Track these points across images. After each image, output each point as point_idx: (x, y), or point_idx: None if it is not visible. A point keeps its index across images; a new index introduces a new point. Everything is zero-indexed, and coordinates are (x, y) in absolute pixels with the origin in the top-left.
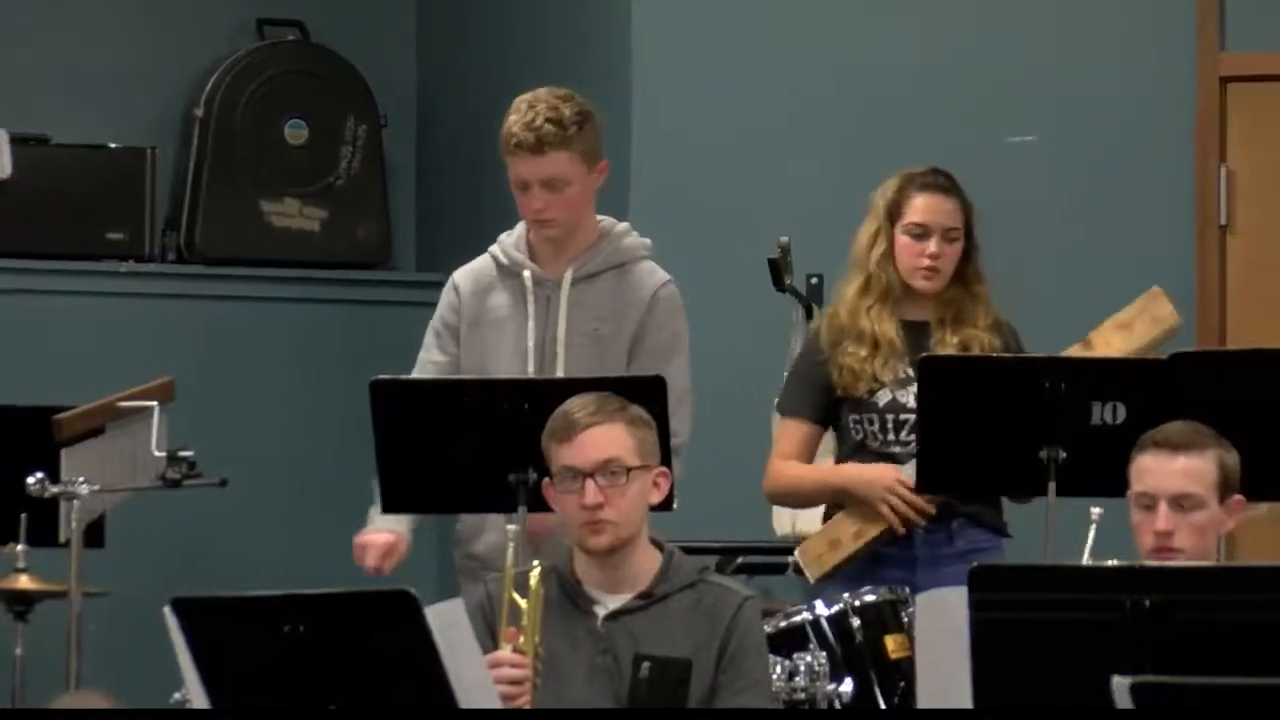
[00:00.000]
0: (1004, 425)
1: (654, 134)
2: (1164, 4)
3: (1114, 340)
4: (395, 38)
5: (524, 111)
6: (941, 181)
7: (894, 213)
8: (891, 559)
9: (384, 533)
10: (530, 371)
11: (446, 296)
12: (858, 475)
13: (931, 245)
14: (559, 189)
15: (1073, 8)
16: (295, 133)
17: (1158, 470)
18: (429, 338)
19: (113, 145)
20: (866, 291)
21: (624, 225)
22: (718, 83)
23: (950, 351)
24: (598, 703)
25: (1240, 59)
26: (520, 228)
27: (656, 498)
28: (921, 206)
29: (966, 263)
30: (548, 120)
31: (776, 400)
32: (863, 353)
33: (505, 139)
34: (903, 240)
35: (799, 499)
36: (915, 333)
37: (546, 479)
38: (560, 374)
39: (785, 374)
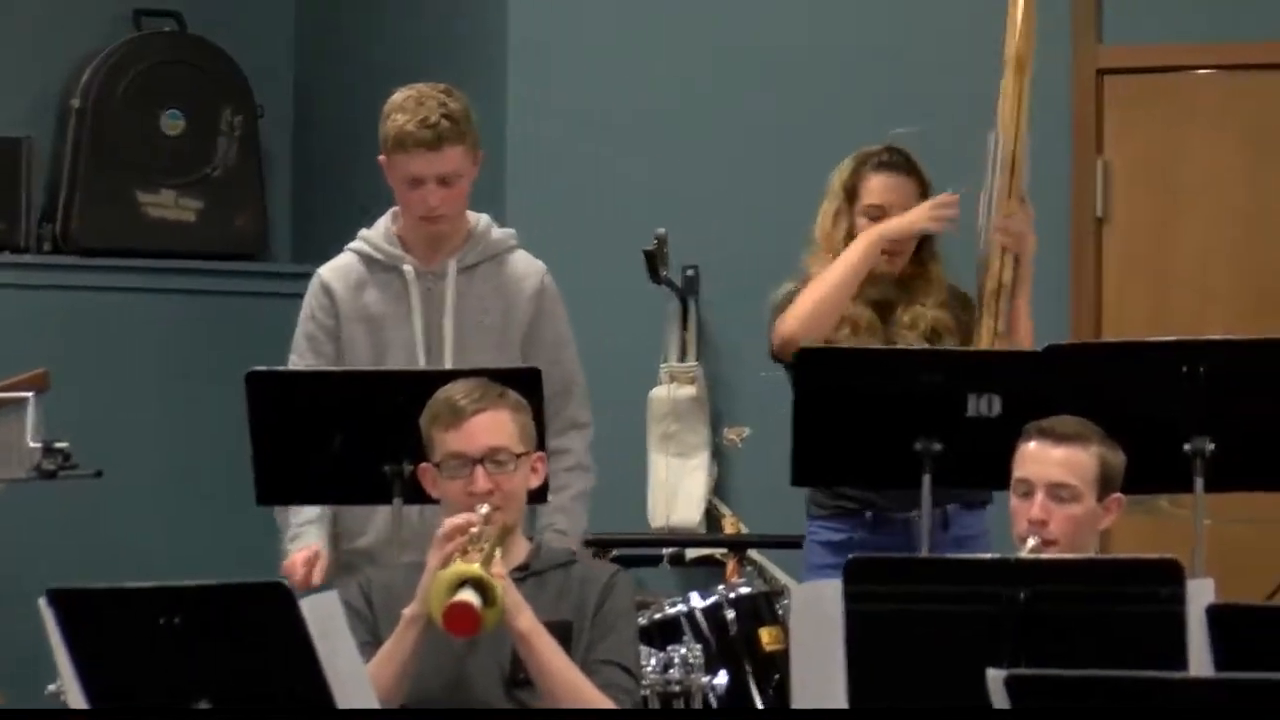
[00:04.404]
0: (880, 417)
1: (530, 125)
2: None
3: (1009, 35)
4: (272, 28)
5: (414, 109)
6: (897, 160)
7: (851, 194)
8: (886, 549)
9: (303, 549)
10: (421, 363)
11: (316, 299)
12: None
13: None
14: (452, 184)
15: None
16: (172, 123)
17: (1038, 458)
18: (300, 343)
19: None
20: None
21: (486, 218)
22: (594, 73)
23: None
24: (481, 668)
25: (1117, 51)
26: (384, 222)
27: (535, 482)
28: (878, 187)
29: (922, 242)
30: (443, 116)
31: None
32: (845, 332)
33: (398, 138)
34: (862, 222)
35: (829, 296)
36: (882, 312)
37: (424, 464)
38: (449, 362)
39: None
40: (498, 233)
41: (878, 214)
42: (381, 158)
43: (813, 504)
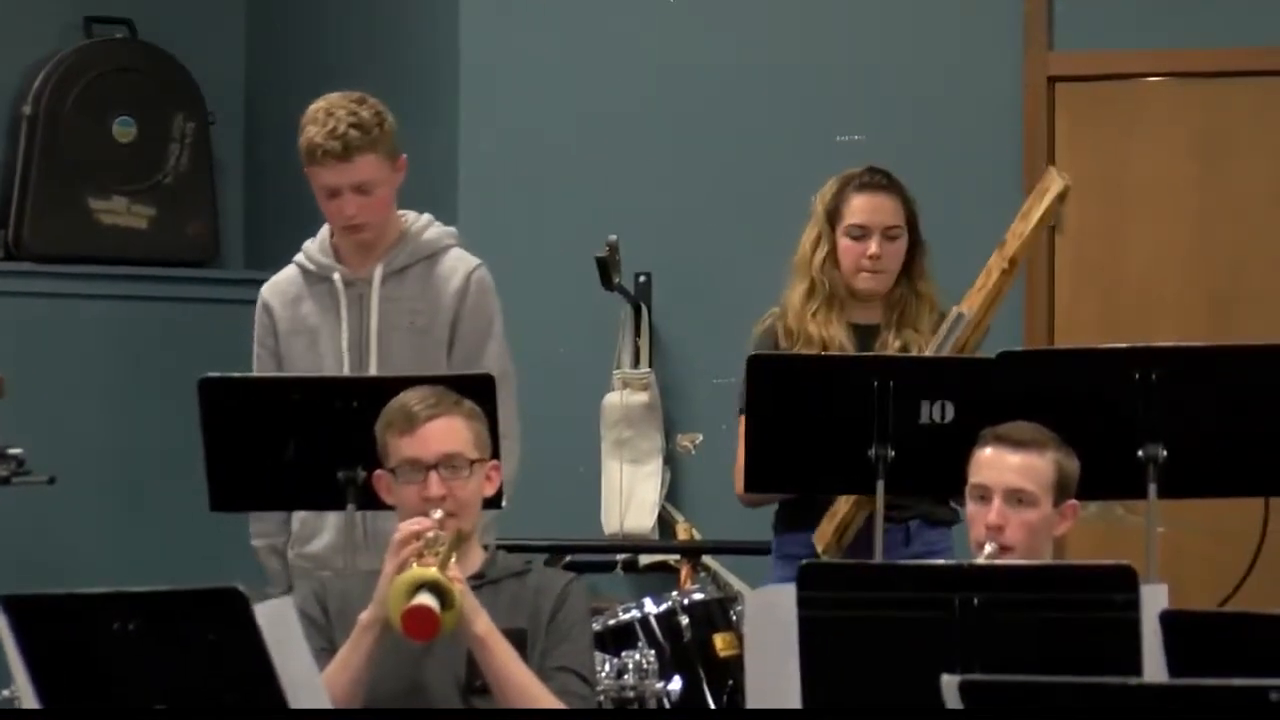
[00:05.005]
0: (833, 424)
1: (482, 132)
2: (993, 3)
3: (1018, 229)
4: (223, 35)
5: (324, 121)
6: (879, 180)
7: (834, 215)
8: None
9: None
10: (347, 369)
11: (258, 319)
12: None
13: (872, 245)
14: (369, 192)
15: (902, 7)
16: (123, 130)
17: (995, 464)
18: (252, 363)
19: None
20: (811, 296)
21: (426, 217)
22: (546, 82)
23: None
24: (437, 674)
25: (1068, 58)
26: (323, 233)
27: (489, 490)
28: (860, 207)
29: (911, 261)
30: (351, 126)
31: (735, 405)
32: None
33: (309, 150)
34: (844, 242)
35: None
36: (865, 336)
37: (379, 471)
38: (374, 369)
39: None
40: (433, 232)
41: (860, 234)
42: (306, 169)
43: (778, 520)
